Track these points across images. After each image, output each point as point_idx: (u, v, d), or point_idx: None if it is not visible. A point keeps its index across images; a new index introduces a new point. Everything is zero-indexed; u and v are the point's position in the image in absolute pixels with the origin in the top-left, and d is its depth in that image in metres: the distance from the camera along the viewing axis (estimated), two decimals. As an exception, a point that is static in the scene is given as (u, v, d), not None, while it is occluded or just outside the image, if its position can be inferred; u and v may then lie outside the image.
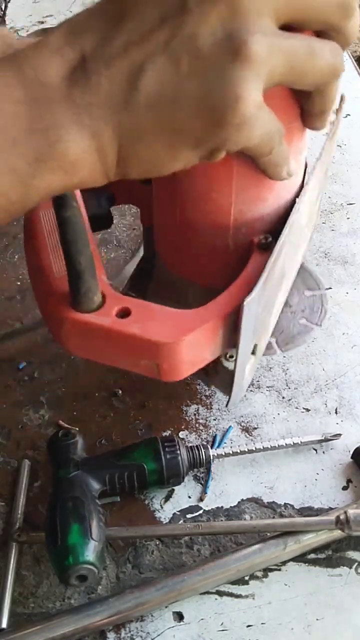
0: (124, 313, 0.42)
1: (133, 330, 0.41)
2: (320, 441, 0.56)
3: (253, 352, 0.47)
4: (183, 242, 0.48)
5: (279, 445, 0.54)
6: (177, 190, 0.44)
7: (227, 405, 0.49)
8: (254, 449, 0.54)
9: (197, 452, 0.52)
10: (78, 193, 0.46)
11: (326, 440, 0.56)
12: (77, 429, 0.54)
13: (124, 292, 0.56)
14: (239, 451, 0.54)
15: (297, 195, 0.45)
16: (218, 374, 0.50)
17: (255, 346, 0.47)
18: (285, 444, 0.55)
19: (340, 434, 0.56)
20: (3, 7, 1.10)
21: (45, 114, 0.30)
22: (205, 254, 0.47)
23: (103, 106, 0.30)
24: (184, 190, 0.44)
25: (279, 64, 0.31)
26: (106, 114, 0.30)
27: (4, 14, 1.09)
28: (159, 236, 0.52)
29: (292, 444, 0.55)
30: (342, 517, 0.48)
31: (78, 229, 0.38)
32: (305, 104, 0.38)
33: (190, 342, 0.41)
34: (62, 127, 0.30)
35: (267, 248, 0.44)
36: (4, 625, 0.46)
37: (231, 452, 0.54)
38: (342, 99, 0.51)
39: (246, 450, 0.54)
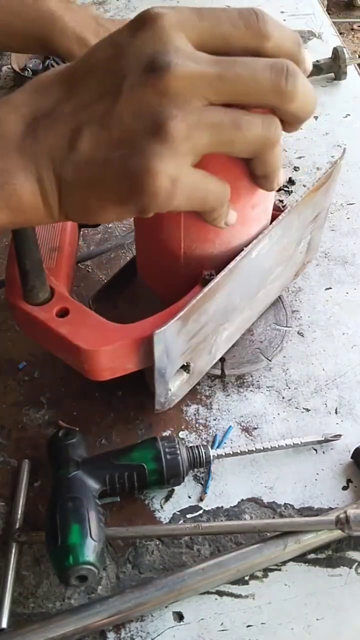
0: (63, 313, 0.48)
1: (62, 331, 0.47)
2: (320, 442, 0.56)
3: (186, 370, 0.53)
4: (148, 259, 0.55)
5: (279, 446, 0.55)
6: (150, 224, 0.50)
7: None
8: (254, 449, 0.54)
9: (197, 452, 0.52)
10: None
11: (326, 441, 0.56)
12: (77, 429, 0.54)
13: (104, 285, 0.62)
14: (239, 451, 0.54)
15: (250, 242, 0.50)
16: (152, 380, 0.52)
17: (188, 365, 0.52)
18: (286, 445, 0.55)
19: (340, 435, 0.56)
20: (3, 7, 1.10)
21: None
22: (163, 273, 0.54)
23: (46, 156, 0.35)
24: (150, 227, 0.50)
25: (203, 138, 0.34)
26: (48, 163, 0.35)
27: (4, 13, 1.09)
28: (137, 249, 0.57)
29: (292, 444, 0.55)
30: (341, 516, 0.48)
31: (27, 238, 0.44)
32: (249, 166, 0.41)
33: (108, 353, 0.47)
34: (11, 172, 0.34)
35: (208, 283, 0.48)
36: (4, 625, 0.46)
37: (231, 453, 0.54)
38: (343, 151, 0.55)
39: (246, 450, 0.54)
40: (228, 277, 0.49)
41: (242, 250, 0.49)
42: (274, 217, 0.52)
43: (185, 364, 0.52)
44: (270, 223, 0.52)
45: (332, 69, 0.95)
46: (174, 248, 0.49)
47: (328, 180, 0.55)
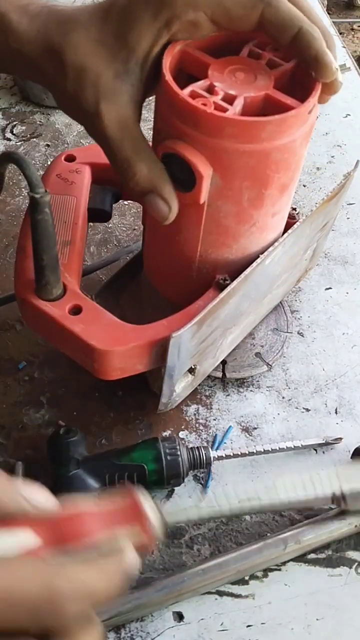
0: (76, 310, 0.48)
1: (75, 329, 0.46)
2: (321, 444, 0.56)
3: (192, 372, 0.53)
4: (158, 261, 0.54)
5: (279, 448, 0.54)
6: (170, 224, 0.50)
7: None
8: (254, 451, 0.54)
9: (197, 453, 0.52)
10: (58, 199, 0.55)
11: (327, 443, 0.56)
12: (78, 427, 0.54)
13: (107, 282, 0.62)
14: (239, 453, 0.54)
15: (267, 248, 0.50)
16: (157, 381, 0.52)
17: (194, 367, 0.52)
18: (286, 447, 0.55)
19: (341, 438, 0.56)
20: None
21: None
22: (173, 276, 0.53)
23: None
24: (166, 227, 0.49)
25: None
26: None
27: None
28: (144, 247, 0.57)
29: (292, 447, 0.55)
30: (337, 493, 0.48)
31: (46, 232, 0.44)
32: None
33: (120, 353, 0.47)
34: None
35: (223, 288, 0.48)
36: None
37: (232, 455, 0.54)
38: (357, 163, 0.55)
39: (247, 452, 0.54)
40: (243, 283, 0.48)
41: (256, 256, 0.49)
42: (287, 225, 0.52)
43: (192, 367, 0.52)
44: (284, 230, 0.52)
45: None
46: (189, 251, 0.49)
47: (341, 191, 0.55)
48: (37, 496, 0.32)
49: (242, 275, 0.48)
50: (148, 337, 0.46)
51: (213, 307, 0.46)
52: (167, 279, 0.55)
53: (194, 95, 0.42)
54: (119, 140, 0.43)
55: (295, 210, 0.54)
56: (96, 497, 0.34)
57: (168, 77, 0.41)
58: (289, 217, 0.53)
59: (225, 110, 0.41)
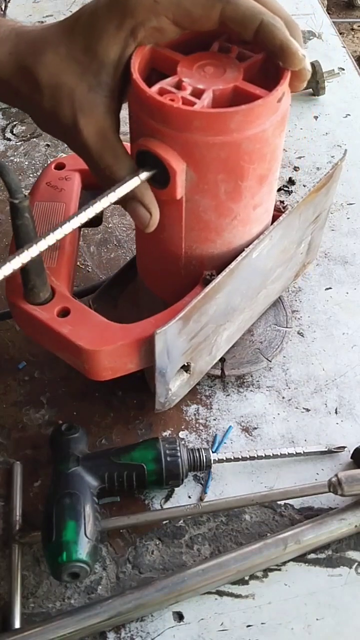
0: (64, 313, 0.48)
1: (63, 331, 0.47)
2: (323, 452, 0.55)
3: (187, 370, 0.53)
4: (148, 260, 0.55)
5: (281, 454, 0.54)
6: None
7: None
8: (255, 455, 0.54)
9: (197, 455, 0.52)
10: (48, 206, 0.56)
11: (330, 452, 0.55)
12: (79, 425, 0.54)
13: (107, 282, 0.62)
14: (240, 457, 0.54)
15: (252, 242, 0.50)
16: (152, 380, 0.52)
17: (188, 365, 0.52)
18: (288, 453, 0.54)
19: (344, 447, 0.56)
20: (3, 7, 1.10)
21: None
22: (163, 275, 0.54)
23: None
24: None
25: None
26: None
27: (4, 14, 1.09)
28: (137, 249, 0.57)
29: (294, 453, 0.55)
30: (333, 480, 0.48)
31: (27, 237, 0.44)
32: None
33: (109, 353, 0.47)
34: None
35: (209, 283, 0.48)
36: (17, 625, 0.46)
37: (232, 458, 0.54)
38: (344, 152, 0.56)
39: (247, 457, 0.54)
40: (229, 277, 0.49)
41: (242, 250, 0.49)
42: (274, 218, 0.52)
43: (186, 364, 0.52)
44: (272, 223, 0.52)
45: (310, 84, 0.91)
46: (174, 248, 0.49)
47: (329, 181, 0.55)
48: None
49: (227, 269, 0.48)
50: (135, 335, 0.47)
51: (197, 302, 0.47)
52: (158, 278, 0.55)
53: (162, 92, 0.42)
54: (99, 151, 0.44)
55: (283, 203, 0.54)
56: None
57: (136, 75, 0.42)
58: (277, 211, 0.53)
59: (193, 104, 0.41)
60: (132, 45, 0.43)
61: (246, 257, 0.49)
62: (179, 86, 0.43)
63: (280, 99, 0.43)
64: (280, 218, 0.51)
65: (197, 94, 0.42)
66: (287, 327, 0.63)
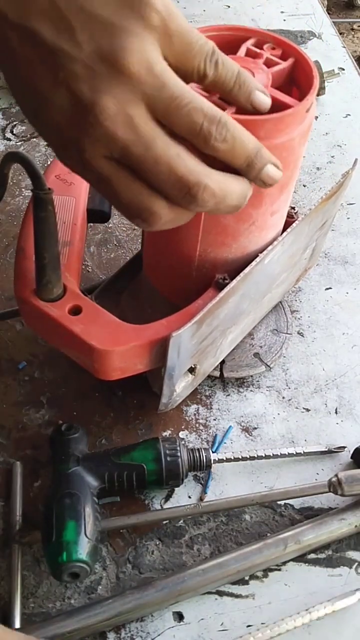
0: (76, 311, 0.48)
1: (75, 329, 0.46)
2: (323, 452, 0.56)
3: (192, 372, 0.53)
4: (158, 260, 0.55)
5: (281, 454, 0.54)
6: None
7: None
8: (255, 456, 0.54)
9: (197, 455, 0.52)
10: (57, 200, 0.54)
11: (330, 452, 0.56)
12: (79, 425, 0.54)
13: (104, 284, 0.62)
14: (240, 457, 0.54)
15: (266, 247, 0.50)
16: (157, 382, 0.52)
17: (194, 367, 0.52)
18: (288, 453, 0.54)
19: (344, 447, 0.56)
20: None
21: None
22: (173, 275, 0.53)
23: None
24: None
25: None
26: None
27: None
28: (144, 246, 0.57)
29: (294, 453, 0.55)
30: (333, 480, 0.48)
31: (49, 230, 0.44)
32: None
33: (120, 353, 0.46)
34: None
35: (222, 287, 0.48)
36: (17, 625, 0.46)
37: (232, 458, 0.54)
38: (355, 161, 0.56)
39: (248, 457, 0.54)
40: (242, 282, 0.48)
41: (255, 255, 0.49)
42: (287, 223, 0.52)
43: (192, 366, 0.52)
44: (283, 229, 0.52)
45: None
46: (189, 250, 0.49)
47: (339, 190, 0.55)
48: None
49: (242, 274, 0.48)
50: (148, 337, 0.46)
51: (213, 306, 0.46)
52: (167, 278, 0.55)
53: None
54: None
55: (294, 210, 0.54)
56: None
57: None
58: (288, 217, 0.53)
59: (224, 109, 0.41)
60: None
61: (260, 262, 0.49)
62: (206, 91, 0.42)
63: (308, 109, 0.43)
64: (294, 225, 0.51)
65: (226, 100, 0.41)
66: (287, 333, 0.63)
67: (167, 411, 0.56)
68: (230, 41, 0.45)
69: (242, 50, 0.45)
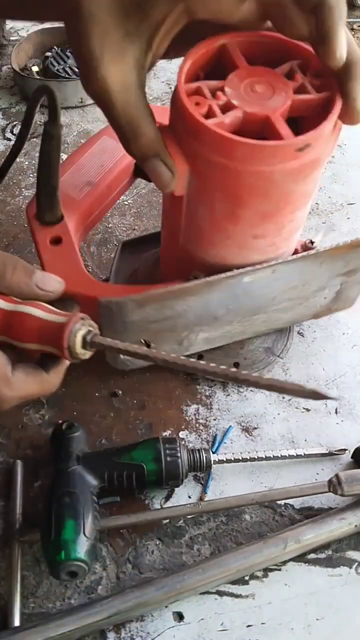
0: (56, 240, 0.54)
1: (44, 257, 0.53)
2: (324, 455, 0.55)
3: (147, 346, 0.54)
4: (163, 236, 0.57)
5: (281, 456, 0.54)
6: (165, 197, 0.54)
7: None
8: (256, 457, 0.54)
9: (198, 455, 0.52)
10: (110, 145, 0.61)
11: (331, 454, 0.55)
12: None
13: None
14: (240, 458, 0.54)
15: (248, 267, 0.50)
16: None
17: (147, 343, 0.54)
18: (289, 455, 0.54)
19: (345, 449, 0.56)
20: None
21: None
22: (166, 254, 0.57)
23: None
24: (164, 198, 0.54)
25: None
26: None
27: None
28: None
29: (295, 455, 0.55)
30: (334, 479, 0.48)
31: (49, 161, 0.50)
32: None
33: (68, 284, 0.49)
34: None
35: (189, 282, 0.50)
36: (17, 623, 0.46)
37: (232, 459, 0.54)
38: None
39: (248, 458, 0.54)
40: (205, 287, 0.49)
41: (234, 269, 0.50)
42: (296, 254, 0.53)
43: (145, 342, 0.53)
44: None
45: None
46: (174, 236, 0.51)
47: None
48: (50, 283, 0.43)
49: (202, 280, 0.49)
50: (93, 292, 0.50)
51: (157, 294, 0.48)
52: (164, 253, 0.58)
53: (198, 91, 0.42)
54: (123, 102, 0.42)
55: (312, 243, 0.55)
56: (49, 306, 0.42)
57: (182, 71, 0.42)
58: (303, 249, 0.54)
59: (214, 116, 0.41)
60: (181, 6, 0.40)
61: (233, 277, 0.49)
62: (214, 93, 0.42)
63: (301, 148, 0.40)
64: (282, 259, 0.50)
65: (226, 108, 0.41)
66: (278, 356, 0.62)
67: (167, 411, 0.56)
68: (280, 51, 0.43)
69: (283, 68, 0.43)
